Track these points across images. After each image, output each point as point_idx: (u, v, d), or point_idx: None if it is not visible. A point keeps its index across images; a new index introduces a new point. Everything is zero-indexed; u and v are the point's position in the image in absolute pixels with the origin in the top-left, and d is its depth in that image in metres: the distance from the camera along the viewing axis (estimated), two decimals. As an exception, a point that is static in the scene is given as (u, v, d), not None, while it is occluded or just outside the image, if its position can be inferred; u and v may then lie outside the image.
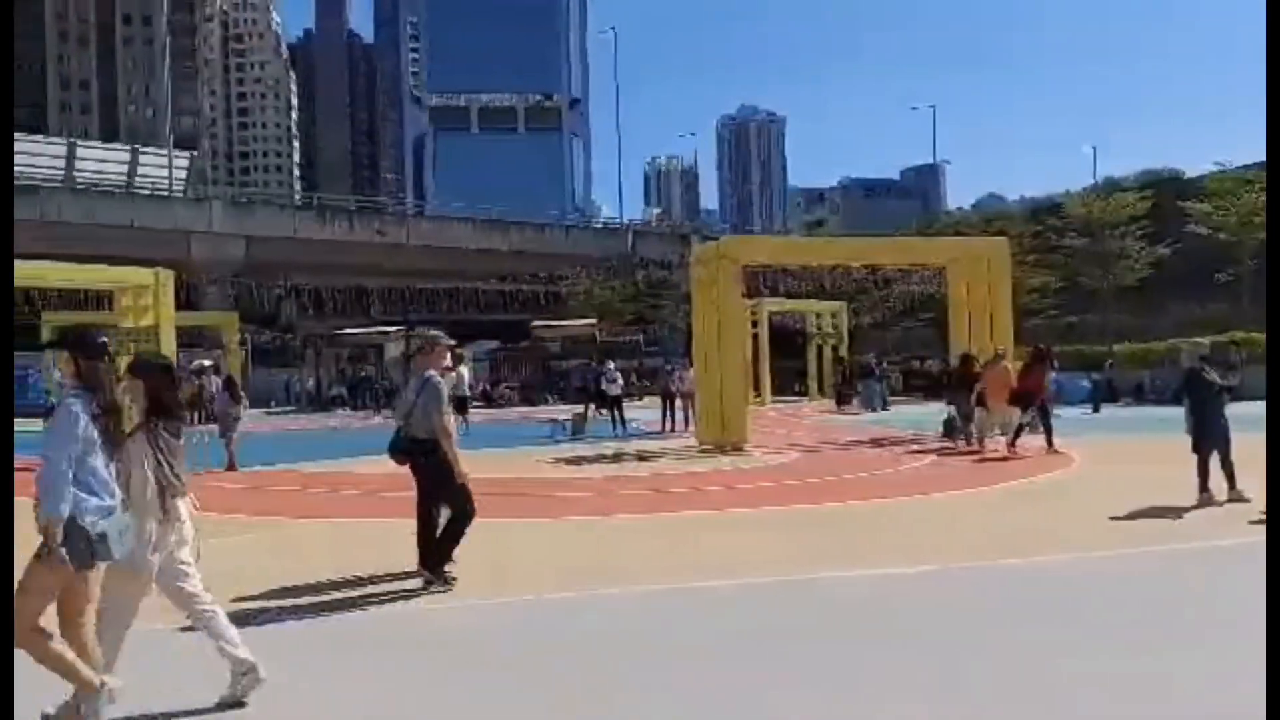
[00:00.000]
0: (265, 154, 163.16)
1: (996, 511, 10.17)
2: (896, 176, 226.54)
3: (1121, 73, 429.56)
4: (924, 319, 41.67)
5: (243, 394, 17.05)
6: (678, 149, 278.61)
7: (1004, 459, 14.30)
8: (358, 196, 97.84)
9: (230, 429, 15.71)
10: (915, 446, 17.06)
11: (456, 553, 6.89)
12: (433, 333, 7.80)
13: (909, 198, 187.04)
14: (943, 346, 26.58)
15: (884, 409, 28.03)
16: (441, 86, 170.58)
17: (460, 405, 22.73)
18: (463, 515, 6.86)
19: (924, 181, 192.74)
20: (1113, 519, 8.97)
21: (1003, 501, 10.88)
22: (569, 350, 46.04)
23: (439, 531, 6.89)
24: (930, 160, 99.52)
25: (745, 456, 16.12)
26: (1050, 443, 14.98)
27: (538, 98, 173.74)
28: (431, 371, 6.98)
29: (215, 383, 33.06)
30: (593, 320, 46.01)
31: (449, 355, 7.85)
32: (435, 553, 6.83)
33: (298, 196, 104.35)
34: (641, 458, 16.52)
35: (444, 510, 6.91)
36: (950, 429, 17.31)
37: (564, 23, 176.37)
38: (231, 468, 14.96)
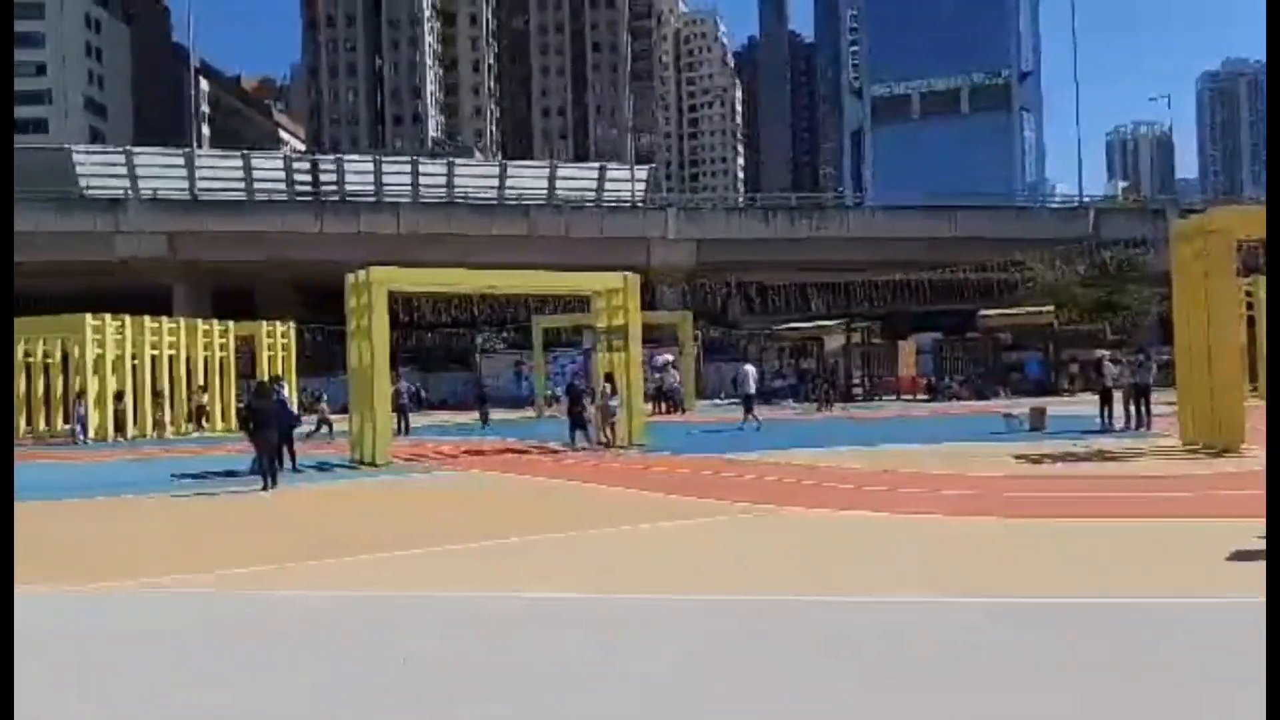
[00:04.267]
0: (712, 160, 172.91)
1: None
2: None
3: None
4: None
5: (619, 389, 19.56)
6: (1147, 115, 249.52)
7: None
8: (798, 194, 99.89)
9: (610, 416, 19.25)
10: None
11: None
12: None
13: None
14: None
15: None
16: (881, 77, 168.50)
17: (746, 403, 23.78)
18: None
19: None
20: None
21: None
22: (1021, 341, 43.14)
23: None
24: None
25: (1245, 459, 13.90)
26: None
27: (983, 76, 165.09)
28: None
29: (675, 376, 35.72)
30: (1049, 307, 42.65)
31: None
32: None
33: (741, 198, 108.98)
34: (1154, 455, 14.84)
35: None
36: None
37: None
38: (607, 446, 18.83)
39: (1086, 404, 24.32)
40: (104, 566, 8.40)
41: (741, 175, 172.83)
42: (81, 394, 27.30)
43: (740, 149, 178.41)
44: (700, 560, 8.16)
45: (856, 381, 41.59)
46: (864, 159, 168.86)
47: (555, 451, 19.13)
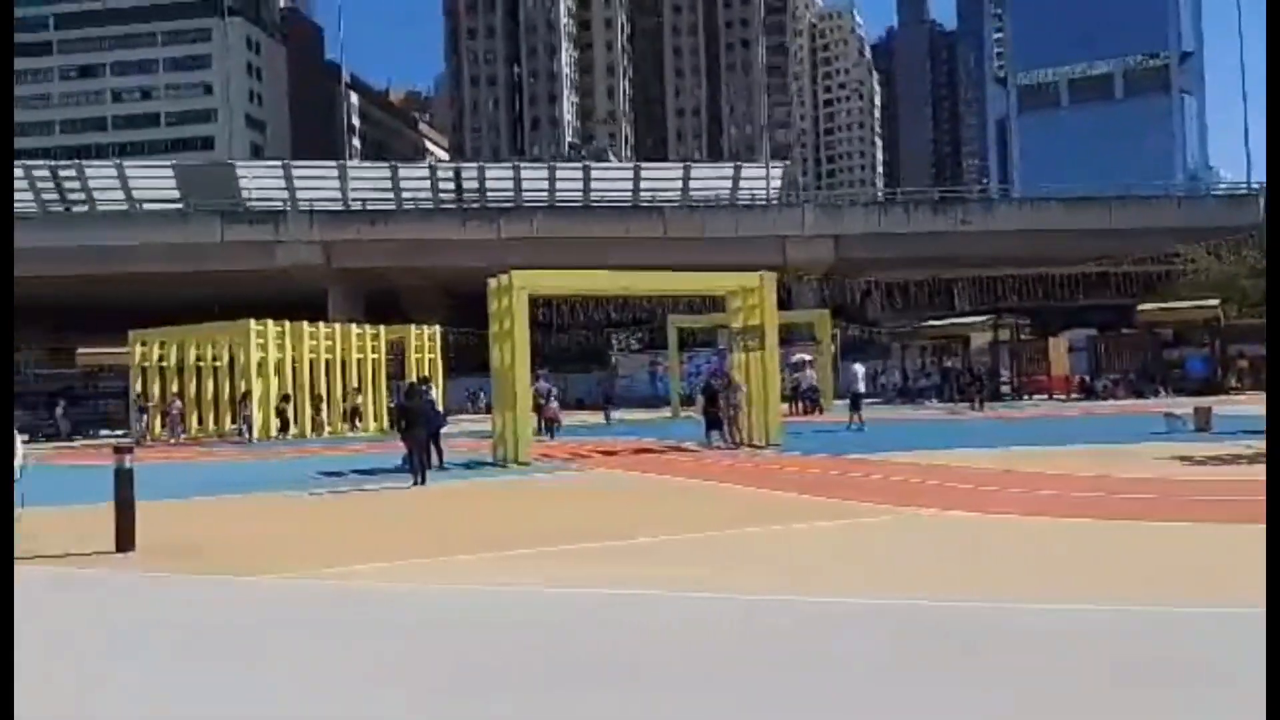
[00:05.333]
0: (849, 155, 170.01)
1: None
2: None
3: None
4: None
5: (743, 385, 19.73)
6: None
7: None
8: (940, 187, 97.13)
9: (737, 410, 19.56)
10: None
11: None
12: None
13: None
14: None
15: None
16: (1028, 64, 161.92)
17: (854, 401, 23.91)
18: None
19: None
20: None
21: None
22: (1183, 336, 40.75)
23: None
24: None
25: None
26: None
27: (1139, 59, 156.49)
28: None
29: (812, 375, 35.28)
30: (1214, 301, 40.11)
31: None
32: None
33: (880, 193, 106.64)
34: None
35: None
36: None
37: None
38: (737, 444, 19.17)
39: (1256, 403, 22.80)
40: (286, 559, 8.88)
41: (880, 170, 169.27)
42: (247, 395, 28.96)
43: (879, 143, 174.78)
44: (839, 559, 8.05)
45: (1005, 380, 40.14)
46: (1010, 149, 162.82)
47: (691, 451, 19.19)
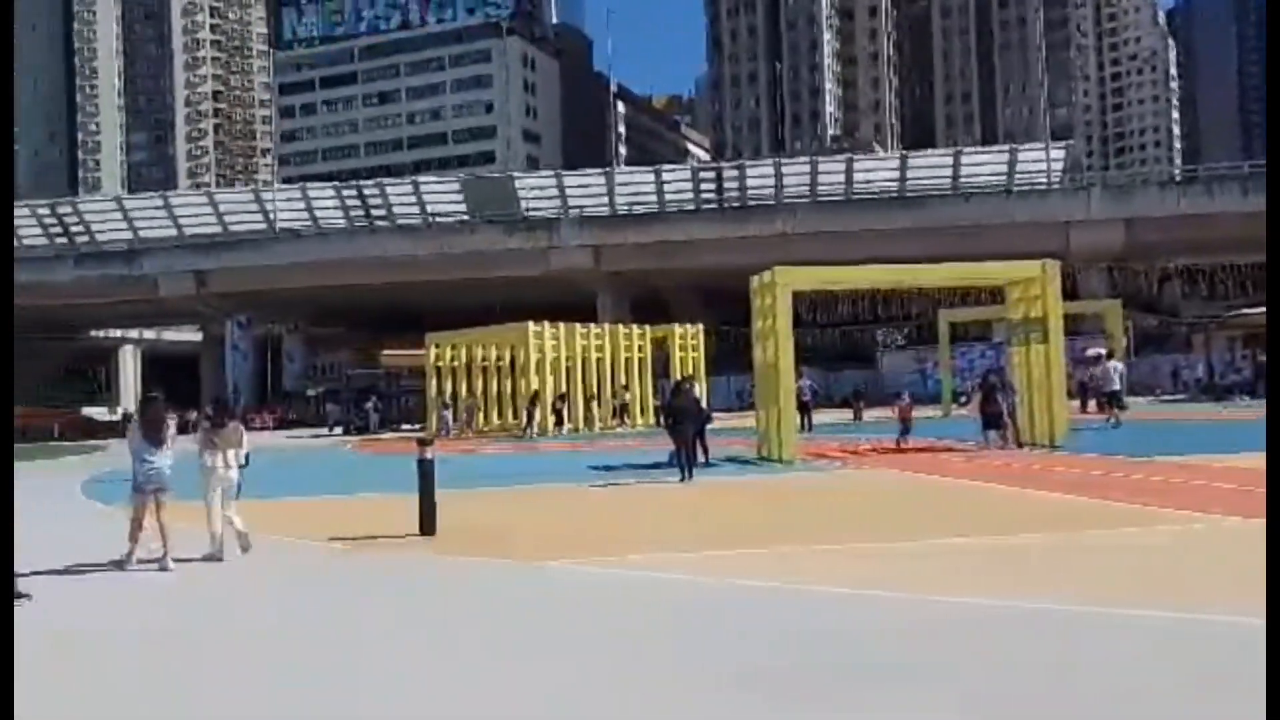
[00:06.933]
0: (1142, 131, 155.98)
1: None
2: None
3: None
4: None
5: (1015, 387, 18.91)
6: None
7: None
8: (1250, 161, 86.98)
9: (1013, 409, 18.57)
10: None
11: None
12: None
13: None
14: None
15: None
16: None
17: (1113, 398, 23.09)
18: None
19: None
20: None
21: None
22: None
23: None
24: None
25: None
26: None
27: None
28: None
29: (1105, 371, 32.65)
30: None
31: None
32: None
33: (1178, 171, 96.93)
34: None
35: None
36: None
37: None
38: (1017, 444, 18.04)
39: None
40: (572, 546, 9.36)
41: (1178, 146, 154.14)
42: (537, 394, 30.49)
43: (1175, 117, 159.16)
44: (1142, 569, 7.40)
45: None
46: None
47: (965, 450, 18.34)
